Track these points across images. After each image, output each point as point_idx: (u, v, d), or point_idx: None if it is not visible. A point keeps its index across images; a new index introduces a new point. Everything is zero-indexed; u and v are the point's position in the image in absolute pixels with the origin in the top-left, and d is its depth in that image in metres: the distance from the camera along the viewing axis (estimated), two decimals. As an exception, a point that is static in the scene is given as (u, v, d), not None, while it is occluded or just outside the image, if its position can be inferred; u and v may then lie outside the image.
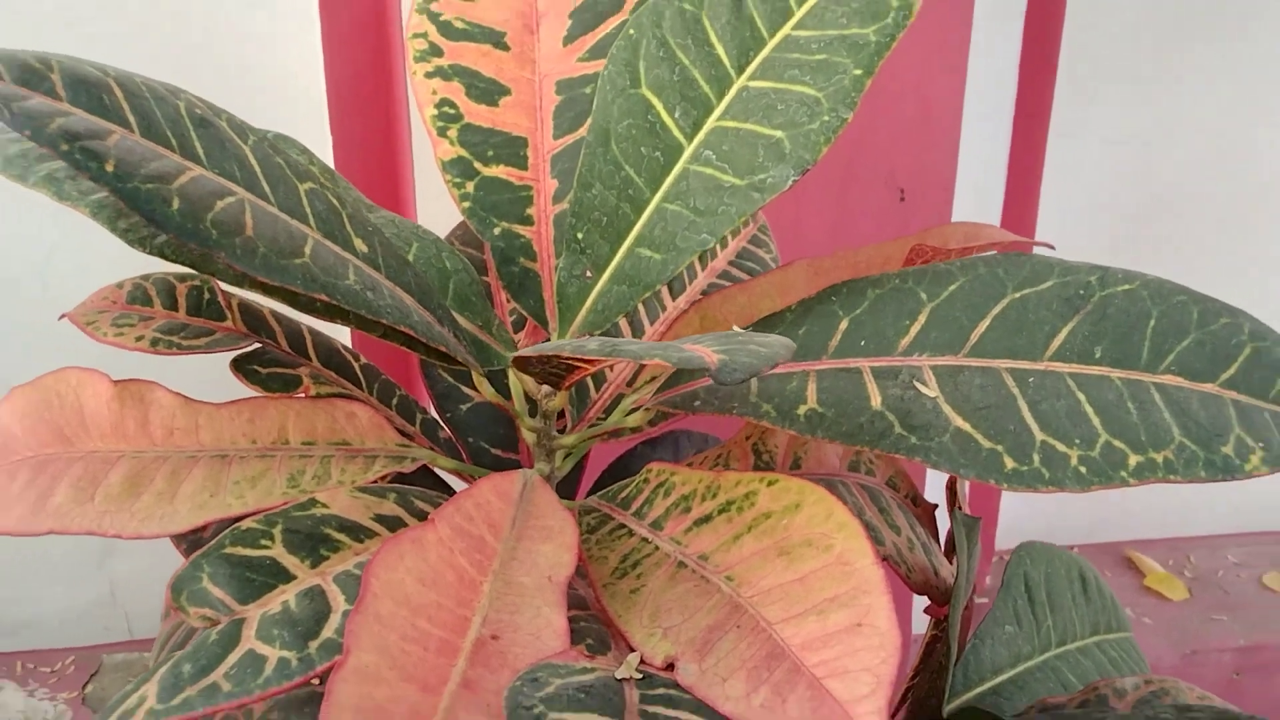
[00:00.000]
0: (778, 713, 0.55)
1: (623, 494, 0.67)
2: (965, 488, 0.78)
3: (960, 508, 0.75)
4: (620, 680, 0.57)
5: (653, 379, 0.73)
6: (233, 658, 0.55)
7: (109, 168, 0.50)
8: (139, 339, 0.67)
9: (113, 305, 0.69)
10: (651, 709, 0.56)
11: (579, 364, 0.59)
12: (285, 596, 0.59)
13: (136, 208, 0.50)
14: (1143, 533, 1.64)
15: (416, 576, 0.55)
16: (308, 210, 0.60)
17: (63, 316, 0.68)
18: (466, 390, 0.79)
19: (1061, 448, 0.58)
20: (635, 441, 0.89)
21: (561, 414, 0.75)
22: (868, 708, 0.54)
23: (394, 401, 0.76)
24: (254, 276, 0.53)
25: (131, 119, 0.54)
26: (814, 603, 0.58)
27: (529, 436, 0.71)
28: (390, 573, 0.54)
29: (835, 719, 0.54)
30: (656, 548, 0.63)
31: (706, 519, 0.63)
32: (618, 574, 0.63)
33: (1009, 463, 0.58)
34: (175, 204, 0.51)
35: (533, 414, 0.70)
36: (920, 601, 0.79)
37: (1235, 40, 1.43)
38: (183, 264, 0.58)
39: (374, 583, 0.53)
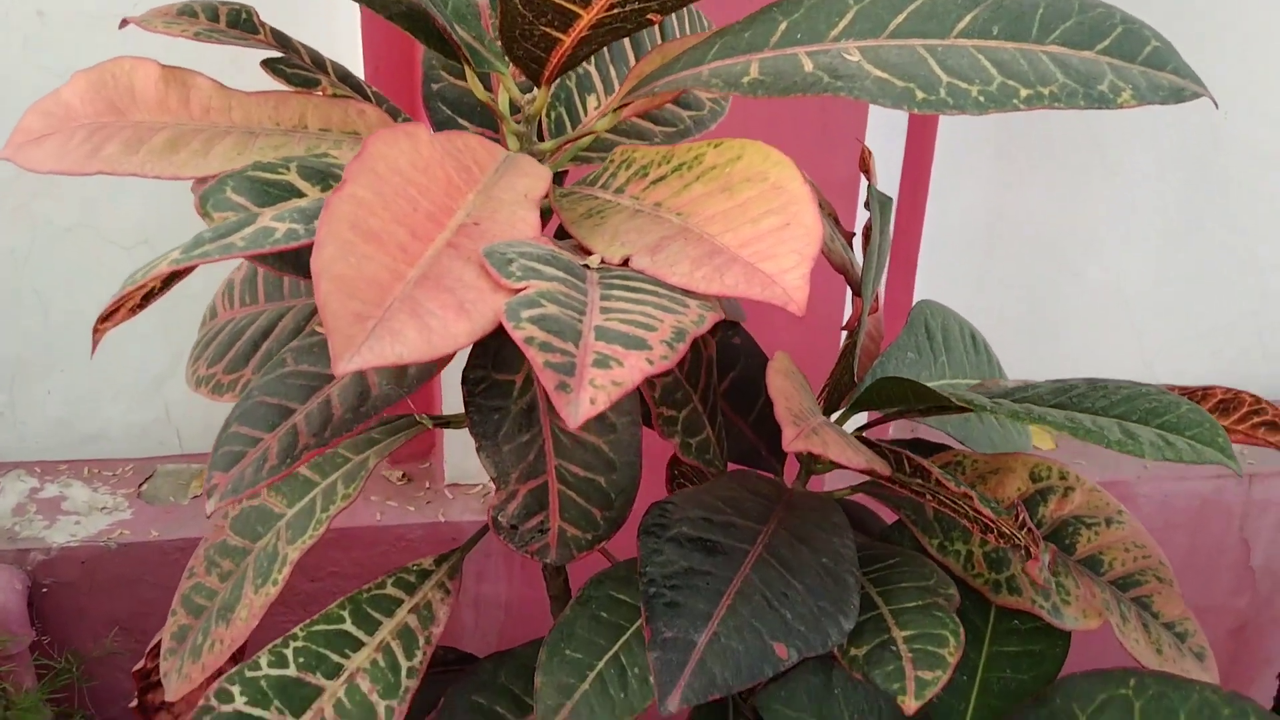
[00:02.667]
0: (716, 284, 0.54)
1: (591, 177, 0.66)
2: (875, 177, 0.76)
3: (873, 184, 0.74)
4: (584, 266, 0.56)
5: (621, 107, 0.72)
6: (248, 230, 0.54)
7: None
8: (184, 31, 0.66)
9: (165, 14, 0.68)
10: (608, 279, 0.54)
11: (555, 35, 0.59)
12: (298, 203, 0.57)
13: None
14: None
15: (410, 160, 0.54)
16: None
17: (125, 22, 0.67)
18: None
19: (964, 85, 0.57)
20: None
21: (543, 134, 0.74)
22: (792, 277, 0.53)
23: (399, 118, 0.74)
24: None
25: None
26: (750, 217, 0.57)
27: (512, 143, 0.70)
28: (386, 148, 0.53)
29: (764, 285, 0.53)
30: (619, 204, 0.62)
31: (661, 179, 0.63)
32: (584, 216, 0.62)
33: (919, 94, 0.57)
34: None
35: (516, 117, 0.69)
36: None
37: None
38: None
39: (371, 148, 0.52)
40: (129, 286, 0.54)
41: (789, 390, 0.63)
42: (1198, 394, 0.70)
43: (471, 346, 0.70)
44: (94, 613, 1.18)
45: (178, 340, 1.26)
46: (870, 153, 0.76)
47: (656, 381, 0.71)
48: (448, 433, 1.30)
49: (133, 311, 0.59)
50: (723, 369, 0.81)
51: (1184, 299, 1.55)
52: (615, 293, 0.53)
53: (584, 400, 0.46)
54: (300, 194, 0.59)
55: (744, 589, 0.63)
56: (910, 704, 0.62)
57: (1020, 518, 0.62)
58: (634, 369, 0.48)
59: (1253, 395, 0.70)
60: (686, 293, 0.54)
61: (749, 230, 0.56)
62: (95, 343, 0.59)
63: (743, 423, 0.81)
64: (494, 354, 0.69)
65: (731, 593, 0.62)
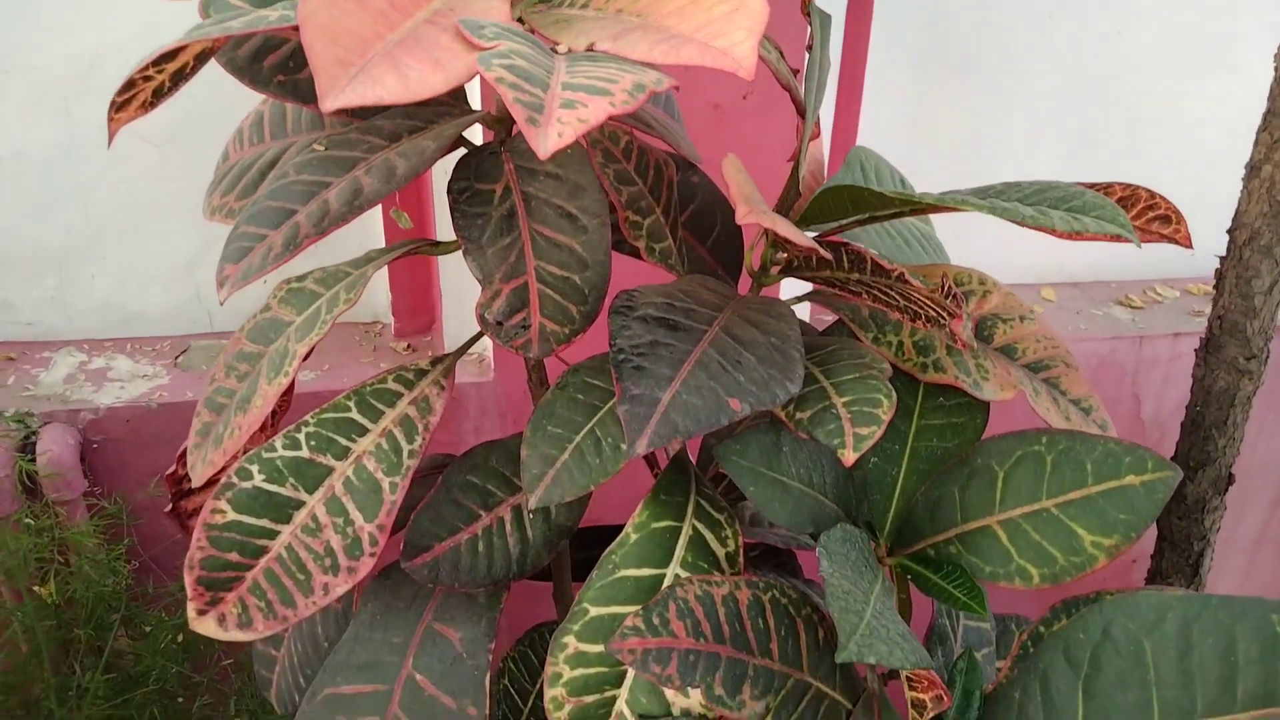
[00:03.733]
0: (672, 56, 0.51)
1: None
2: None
3: (812, 3, 0.71)
4: (552, 50, 0.53)
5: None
6: (246, 17, 0.50)
7: None
8: None
9: None
10: (573, 58, 0.51)
11: None
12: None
13: None
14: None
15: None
16: None
17: None
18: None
19: None
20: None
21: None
22: (741, 49, 0.50)
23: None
24: None
25: None
26: (703, 8, 0.53)
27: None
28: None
29: (716, 56, 0.50)
30: (584, 15, 0.59)
31: (624, -9, 0.58)
32: (551, 23, 0.58)
33: None
34: None
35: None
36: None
37: None
38: None
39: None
40: (134, 72, 0.50)
41: (741, 180, 0.60)
42: (1100, 188, 0.68)
43: (456, 163, 0.68)
44: (138, 465, 1.14)
45: (206, 231, 1.22)
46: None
47: (623, 190, 0.68)
48: (445, 307, 1.27)
49: (145, 108, 0.56)
50: (683, 202, 0.78)
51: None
52: (580, 64, 0.50)
53: (552, 134, 0.43)
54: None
55: (702, 359, 0.60)
56: (849, 455, 0.60)
57: (946, 285, 0.60)
58: (598, 109, 0.45)
59: (1148, 190, 0.68)
60: (646, 65, 0.51)
61: (703, 17, 0.53)
62: (112, 134, 0.56)
63: (700, 246, 0.78)
64: (475, 168, 0.66)
65: (691, 361, 0.60)
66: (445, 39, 0.47)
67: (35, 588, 0.96)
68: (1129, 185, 0.68)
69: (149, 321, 1.25)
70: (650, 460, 0.90)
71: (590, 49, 0.53)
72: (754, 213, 0.57)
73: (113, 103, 0.54)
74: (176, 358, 1.21)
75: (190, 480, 0.78)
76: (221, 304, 0.58)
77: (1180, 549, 0.81)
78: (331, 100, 0.42)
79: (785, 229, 0.58)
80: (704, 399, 0.58)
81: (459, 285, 1.24)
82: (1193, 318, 1.49)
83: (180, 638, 0.96)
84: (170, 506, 0.79)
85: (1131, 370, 1.46)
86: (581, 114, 0.44)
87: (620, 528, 0.90)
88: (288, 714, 0.80)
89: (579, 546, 0.89)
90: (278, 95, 0.66)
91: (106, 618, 0.95)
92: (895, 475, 0.68)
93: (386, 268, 1.25)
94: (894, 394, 0.62)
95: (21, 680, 0.90)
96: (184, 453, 0.75)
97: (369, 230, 1.23)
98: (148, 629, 0.97)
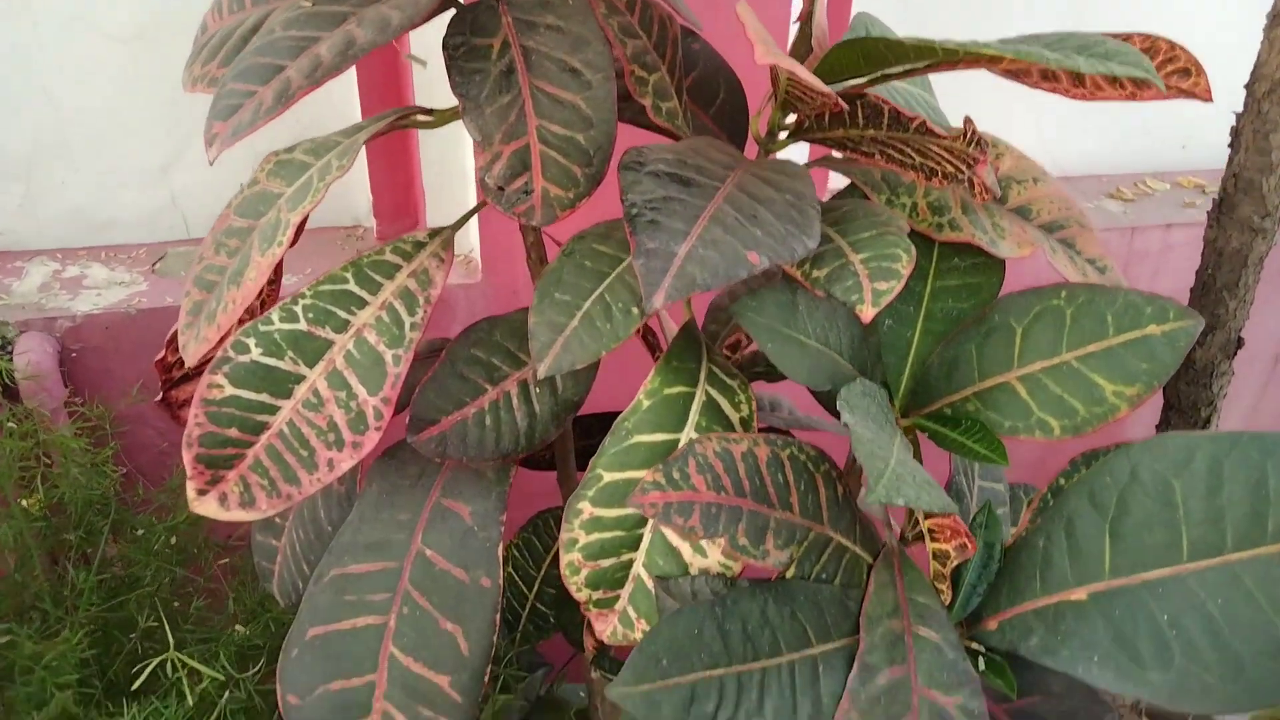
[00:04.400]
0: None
1: None
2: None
3: None
4: None
5: None
6: None
7: None
8: None
9: None
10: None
11: None
12: None
13: None
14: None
15: None
16: None
17: None
18: None
19: None
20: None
21: None
22: None
23: None
24: None
25: None
26: None
27: None
28: None
29: None
30: None
31: None
32: None
33: None
34: None
35: None
36: None
37: None
38: None
39: None
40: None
41: (756, 23, 0.57)
42: (1120, 38, 0.66)
43: (450, 18, 0.64)
44: (120, 373, 1.12)
45: (179, 132, 1.17)
46: None
47: (628, 43, 0.65)
48: (429, 208, 1.24)
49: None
50: (686, 68, 0.75)
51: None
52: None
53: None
54: None
55: (717, 214, 0.58)
56: (867, 311, 0.58)
57: (969, 131, 0.58)
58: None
59: (1168, 41, 0.66)
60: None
61: None
62: None
63: (704, 114, 0.76)
64: (470, 22, 0.63)
65: (706, 217, 0.58)
66: None
67: (22, 501, 0.94)
68: (1148, 35, 0.66)
69: (123, 228, 1.21)
70: (650, 344, 0.88)
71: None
72: (771, 53, 0.55)
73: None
74: (154, 265, 1.18)
75: (180, 368, 0.76)
76: (211, 163, 0.55)
77: (1187, 416, 0.81)
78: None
79: (803, 74, 0.55)
80: (721, 252, 0.56)
81: (443, 182, 1.21)
82: (1184, 209, 1.48)
83: (173, 540, 0.95)
84: (160, 395, 0.77)
85: (1123, 262, 1.46)
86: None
87: (616, 414, 0.89)
88: (291, 603, 0.78)
89: (581, 435, 0.88)
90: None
91: (96, 522, 0.93)
92: (910, 337, 0.67)
93: (367, 169, 1.21)
94: (913, 249, 0.60)
95: (12, 586, 0.89)
96: (173, 337, 0.73)
97: (347, 118, 1.19)
98: (139, 532, 0.95)
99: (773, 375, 0.84)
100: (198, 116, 1.16)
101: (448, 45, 0.62)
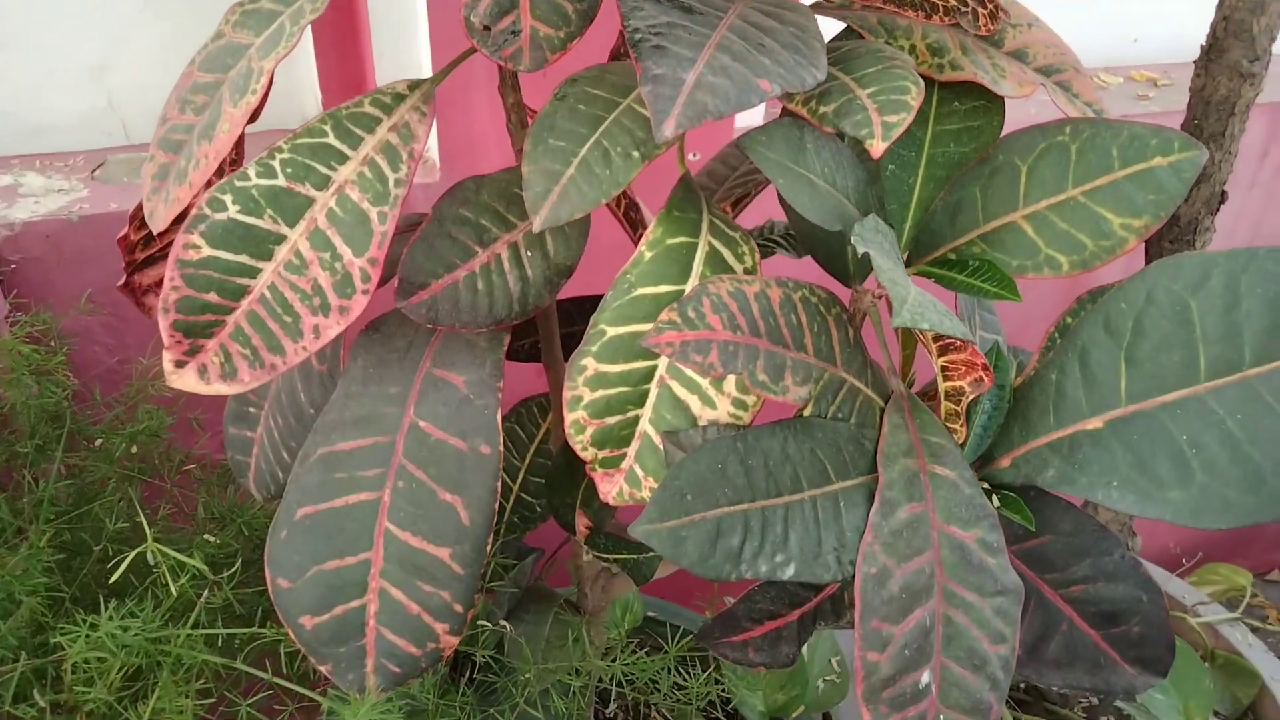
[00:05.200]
0: None
1: None
2: None
3: None
4: None
5: None
6: None
7: None
8: None
9: None
10: None
11: None
12: None
13: None
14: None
15: None
16: None
17: None
18: None
19: None
20: None
21: None
22: None
23: None
24: None
25: None
26: None
27: None
28: None
29: None
30: None
31: None
32: None
33: None
34: None
35: None
36: None
37: None
38: None
39: None
40: None
41: None
42: None
43: None
44: (64, 286, 1.05)
45: (114, 26, 1.10)
46: None
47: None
48: (379, 70, 1.17)
49: None
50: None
51: None
52: None
53: None
54: None
55: (723, 42, 0.55)
56: (878, 145, 0.56)
57: (978, -51, 0.56)
58: None
59: None
60: None
61: None
62: None
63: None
64: None
65: (712, 45, 0.55)
66: None
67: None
68: None
69: (57, 133, 1.13)
70: (633, 222, 0.86)
71: None
72: None
73: None
74: (93, 171, 1.11)
75: (146, 247, 0.71)
76: (208, 41, 0.51)
77: (1172, 274, 0.81)
78: None
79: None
80: (731, 79, 0.53)
81: (392, 32, 1.14)
82: (1138, 101, 1.49)
83: (134, 449, 0.90)
84: (124, 279, 0.72)
85: (1080, 157, 1.46)
86: None
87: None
88: (270, 495, 0.75)
89: (565, 321, 0.85)
90: None
91: (50, 432, 0.88)
92: (912, 184, 0.65)
93: (315, 62, 1.16)
94: (920, 81, 0.58)
95: (-33, 500, 0.84)
96: (137, 210, 0.68)
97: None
98: (97, 441, 0.90)
99: (766, 250, 0.82)
100: (134, 5, 1.09)
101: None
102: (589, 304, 0.84)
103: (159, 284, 0.74)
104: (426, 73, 1.13)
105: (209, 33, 0.64)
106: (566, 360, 0.85)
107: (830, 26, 0.73)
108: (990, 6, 0.58)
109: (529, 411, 0.88)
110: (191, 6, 1.11)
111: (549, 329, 0.82)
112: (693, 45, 0.54)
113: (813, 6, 0.71)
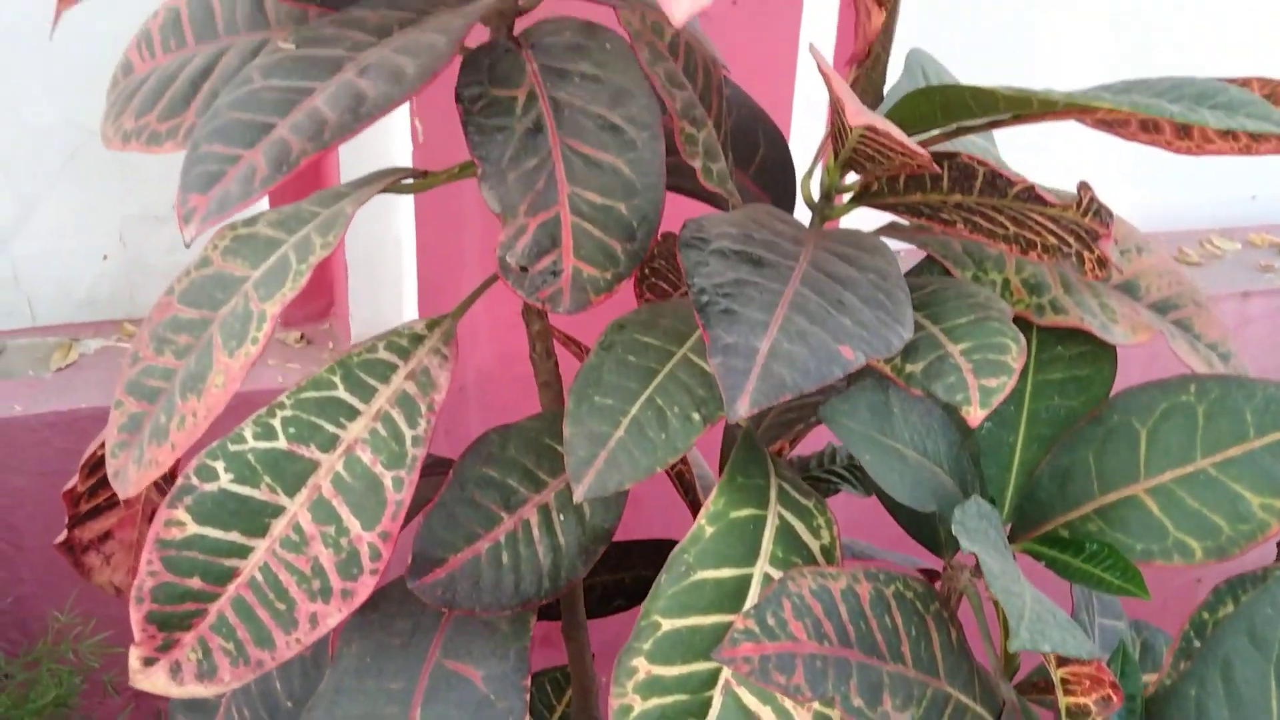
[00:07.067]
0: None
1: None
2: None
3: None
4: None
5: None
6: None
7: None
8: None
9: None
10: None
11: None
12: None
13: None
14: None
15: None
16: None
17: None
18: None
19: None
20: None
21: None
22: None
23: None
24: None
25: None
26: None
27: None
28: None
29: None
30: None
31: None
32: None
33: None
34: None
35: None
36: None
37: None
38: None
39: None
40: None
41: (836, 74, 0.64)
42: (1237, 83, 0.74)
43: (461, 64, 0.69)
44: (-49, 505, 1.11)
45: (24, 184, 1.19)
46: None
47: (676, 95, 0.70)
48: (353, 285, 1.27)
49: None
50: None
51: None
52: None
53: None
54: None
55: (796, 300, 0.63)
56: (975, 413, 0.64)
57: (1086, 198, 0.64)
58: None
59: (1292, 87, 0.74)
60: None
61: None
62: (55, 18, 0.56)
63: (742, 173, 0.82)
64: (489, 69, 0.68)
65: (785, 303, 0.63)
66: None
67: None
68: (1268, 81, 0.74)
69: (-54, 314, 1.21)
70: (683, 481, 0.93)
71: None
72: (864, 114, 0.61)
73: None
74: (-11, 361, 1.18)
75: (92, 498, 0.78)
76: (188, 244, 0.59)
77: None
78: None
79: (899, 136, 0.62)
80: (809, 346, 0.61)
81: (369, 250, 1.24)
82: (1261, 273, 1.60)
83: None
84: (64, 535, 0.78)
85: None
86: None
87: (638, 543, 0.93)
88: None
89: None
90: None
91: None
92: (1012, 443, 0.73)
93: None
94: (1021, 337, 0.66)
95: None
96: (90, 460, 0.75)
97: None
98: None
99: (828, 486, 0.89)
100: (48, 168, 1.18)
101: (462, 97, 0.67)
102: (617, 550, 0.89)
103: (102, 539, 0.80)
104: (408, 270, 1.23)
105: (194, 258, 0.71)
106: (589, 614, 0.91)
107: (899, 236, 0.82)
108: (1098, 252, 0.66)
109: (540, 690, 0.93)
110: (118, 166, 1.21)
111: (569, 587, 0.88)
112: (765, 306, 0.62)
113: (887, 228, 0.80)
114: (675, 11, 0.45)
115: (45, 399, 1.13)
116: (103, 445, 0.73)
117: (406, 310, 1.26)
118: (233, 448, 0.65)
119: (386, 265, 1.25)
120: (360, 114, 0.60)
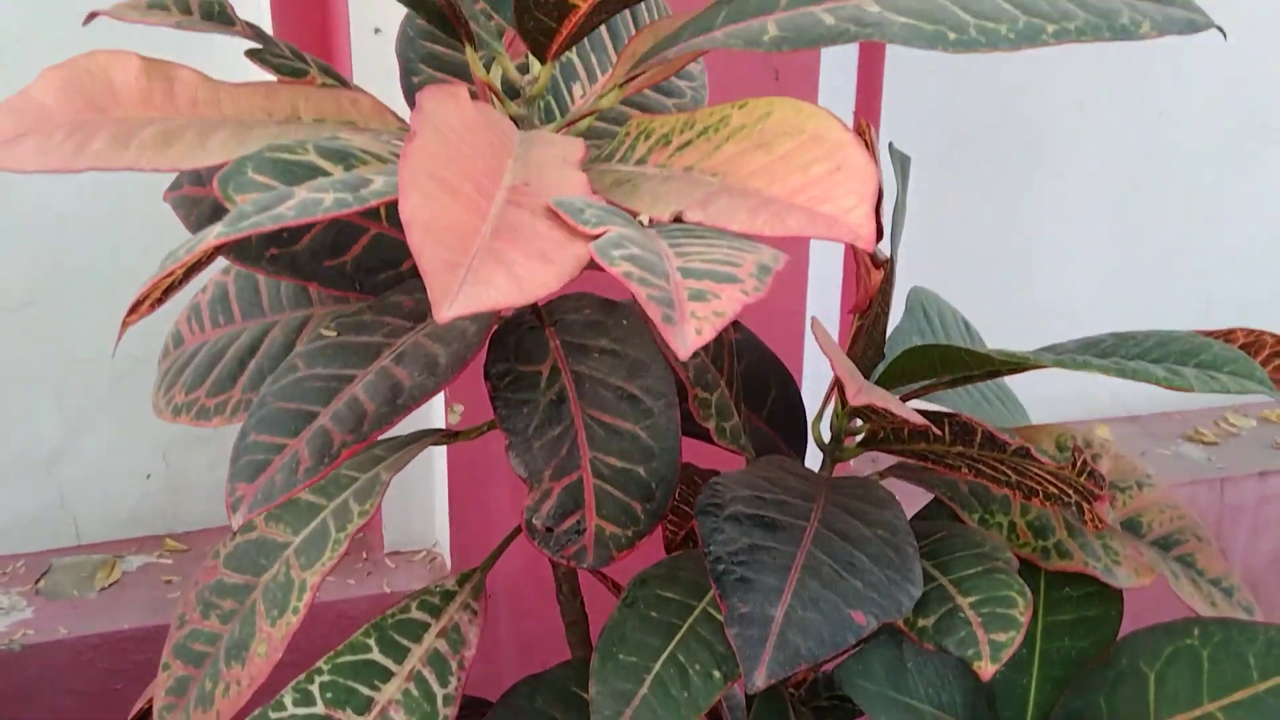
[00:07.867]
0: (779, 227, 0.59)
1: (606, 150, 0.70)
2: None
3: (891, 145, 0.81)
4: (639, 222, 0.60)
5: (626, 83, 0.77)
6: (292, 201, 0.56)
7: None
8: (162, 21, 0.69)
9: (136, 7, 0.71)
10: (667, 232, 0.59)
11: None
12: (329, 178, 0.60)
13: None
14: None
15: (460, 119, 0.58)
16: None
17: (93, 15, 0.70)
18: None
19: (991, 25, 0.64)
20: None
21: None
22: (855, 215, 0.58)
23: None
24: None
25: None
26: (795, 167, 0.62)
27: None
28: (439, 105, 0.57)
29: (829, 224, 0.58)
30: (645, 173, 0.67)
31: (687, 144, 0.67)
32: (613, 185, 0.66)
33: (951, 35, 0.63)
34: None
35: (514, 97, 0.74)
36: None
37: None
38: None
39: (427, 105, 0.56)
40: (170, 264, 0.56)
41: (838, 350, 0.68)
42: (1221, 336, 0.78)
43: (489, 342, 0.74)
44: (-4, 729, 1.14)
45: (72, 411, 1.25)
46: (868, 125, 0.83)
47: (689, 364, 0.75)
48: (387, 496, 1.31)
49: (155, 305, 0.61)
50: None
51: (1131, 307, 1.68)
52: (682, 240, 0.58)
53: (689, 331, 0.50)
54: (326, 172, 0.62)
55: (809, 563, 0.67)
56: (986, 668, 0.66)
57: (1080, 459, 0.68)
58: (731, 300, 0.52)
59: (1274, 335, 0.78)
60: (750, 238, 0.59)
61: (798, 179, 0.61)
62: (120, 335, 0.61)
63: (756, 417, 0.86)
64: (514, 347, 0.73)
65: (798, 566, 0.66)
66: (542, 226, 0.55)
67: None
68: (1252, 331, 0.78)
69: (-2, 536, 1.26)
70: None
71: (678, 219, 0.61)
72: (864, 392, 0.65)
73: (130, 306, 0.60)
74: (37, 581, 1.22)
75: (138, 750, 0.80)
76: (234, 532, 0.63)
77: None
78: (446, 310, 0.48)
79: (898, 407, 0.66)
80: (823, 613, 0.64)
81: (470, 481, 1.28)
82: (1276, 450, 1.62)
83: None
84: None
85: (1214, 520, 1.58)
86: (716, 306, 0.51)
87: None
88: None
89: None
90: (270, 272, 0.73)
91: None
92: (1026, 685, 0.75)
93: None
94: (1027, 590, 0.69)
95: None
96: (141, 713, 0.78)
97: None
98: None
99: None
100: (95, 396, 1.24)
101: (490, 374, 0.71)
102: None
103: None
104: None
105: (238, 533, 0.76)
106: None
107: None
108: (1098, 509, 0.70)
109: None
110: (166, 384, 1.26)
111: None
112: (778, 571, 0.66)
113: (896, 468, 0.84)
114: (681, 349, 0.50)
115: (89, 621, 1.17)
116: (149, 702, 0.76)
117: (439, 518, 1.30)
118: (274, 715, 0.68)
119: (420, 478, 1.29)
120: (397, 405, 0.65)
